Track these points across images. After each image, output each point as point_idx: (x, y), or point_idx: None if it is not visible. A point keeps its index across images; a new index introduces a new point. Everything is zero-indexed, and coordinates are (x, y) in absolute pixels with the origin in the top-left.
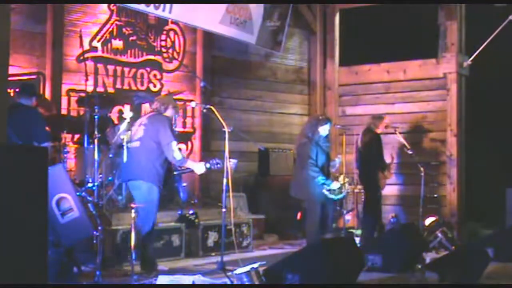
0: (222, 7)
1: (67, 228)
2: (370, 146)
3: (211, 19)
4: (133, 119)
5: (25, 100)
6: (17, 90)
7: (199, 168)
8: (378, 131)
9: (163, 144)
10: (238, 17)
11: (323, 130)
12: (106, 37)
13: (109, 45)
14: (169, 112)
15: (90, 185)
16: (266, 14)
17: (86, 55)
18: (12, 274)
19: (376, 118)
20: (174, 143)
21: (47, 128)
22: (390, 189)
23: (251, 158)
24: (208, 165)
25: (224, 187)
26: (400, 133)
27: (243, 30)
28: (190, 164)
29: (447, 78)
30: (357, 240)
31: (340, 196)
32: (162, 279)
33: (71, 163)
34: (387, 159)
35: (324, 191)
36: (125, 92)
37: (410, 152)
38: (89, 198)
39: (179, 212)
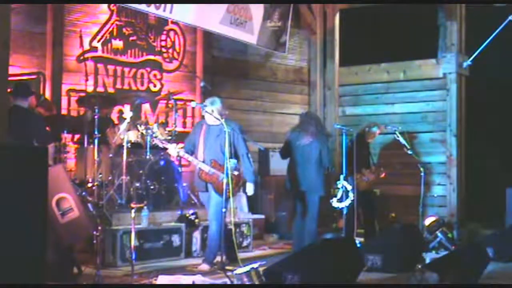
0: (223, 7)
1: (67, 228)
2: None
3: (211, 19)
4: (133, 119)
5: (22, 102)
6: (11, 91)
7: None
8: (369, 140)
9: None
10: (238, 17)
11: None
12: (106, 37)
13: (109, 45)
14: None
15: (90, 185)
16: (266, 15)
17: (86, 55)
18: (12, 274)
19: (368, 130)
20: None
21: (47, 128)
22: (390, 189)
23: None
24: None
25: (224, 187)
26: (400, 133)
27: (243, 30)
28: None
29: (447, 78)
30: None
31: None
32: (162, 279)
33: (71, 163)
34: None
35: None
36: (125, 92)
37: (410, 153)
38: (89, 198)
39: (179, 212)
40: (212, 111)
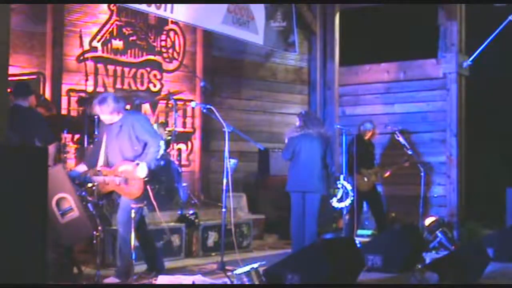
0: (223, 7)
1: (67, 228)
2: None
3: (212, 19)
4: None
5: (23, 101)
6: (11, 91)
7: None
8: (366, 138)
9: None
10: (240, 17)
11: None
12: (106, 37)
13: (109, 45)
14: None
15: (90, 185)
16: (269, 14)
17: (86, 55)
18: (12, 274)
19: (363, 128)
20: None
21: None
22: (390, 189)
23: (251, 158)
24: None
25: (224, 187)
26: (400, 133)
27: (247, 30)
28: None
29: (447, 78)
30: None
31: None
32: (162, 279)
33: (71, 163)
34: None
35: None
36: (125, 92)
37: (410, 153)
38: (89, 198)
39: (179, 212)
40: (101, 111)
